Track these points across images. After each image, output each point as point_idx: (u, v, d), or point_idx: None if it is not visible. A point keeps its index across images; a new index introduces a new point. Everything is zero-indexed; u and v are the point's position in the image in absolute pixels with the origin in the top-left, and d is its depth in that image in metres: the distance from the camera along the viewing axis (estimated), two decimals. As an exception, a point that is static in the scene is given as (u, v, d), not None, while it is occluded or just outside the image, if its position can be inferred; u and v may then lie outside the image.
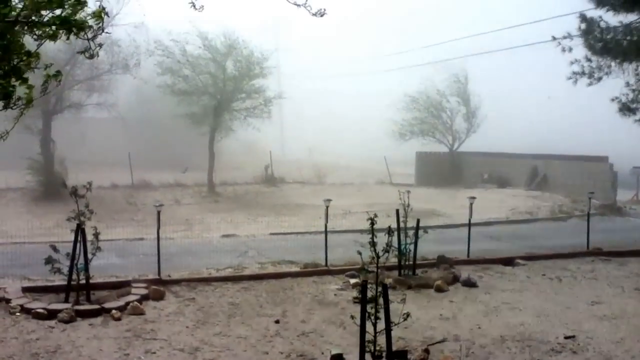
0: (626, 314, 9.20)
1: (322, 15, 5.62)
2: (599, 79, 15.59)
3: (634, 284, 11.11)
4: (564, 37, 15.82)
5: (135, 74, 25.40)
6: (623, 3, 14.21)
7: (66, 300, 9.18)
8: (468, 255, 12.93)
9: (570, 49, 15.78)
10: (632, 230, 17.45)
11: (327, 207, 12.07)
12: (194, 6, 5.47)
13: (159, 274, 10.77)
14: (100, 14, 4.35)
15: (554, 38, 16.05)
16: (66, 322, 8.46)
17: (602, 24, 15.04)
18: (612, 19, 15.03)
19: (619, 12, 14.65)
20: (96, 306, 9.00)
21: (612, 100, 15.83)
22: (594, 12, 15.12)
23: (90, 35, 4.41)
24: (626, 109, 15.57)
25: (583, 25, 15.26)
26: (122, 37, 23.03)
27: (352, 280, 10.81)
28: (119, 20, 22.04)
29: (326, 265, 11.87)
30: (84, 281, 9.27)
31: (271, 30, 58.22)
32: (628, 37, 14.57)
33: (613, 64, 15.32)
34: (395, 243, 8.92)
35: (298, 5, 5.45)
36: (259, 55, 27.12)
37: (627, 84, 15.63)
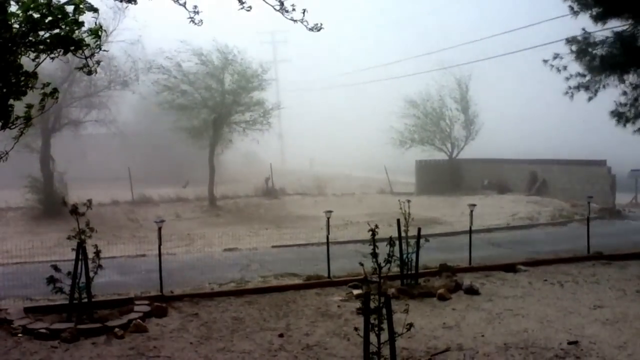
0: (628, 317, 9.20)
1: (318, 30, 5.69)
2: (596, 91, 15.64)
3: (635, 287, 11.10)
4: (554, 58, 15.91)
5: (134, 89, 25.55)
6: (605, 11, 14.23)
7: (68, 320, 9.14)
8: (470, 263, 12.92)
9: (565, 67, 15.85)
10: (631, 233, 17.47)
11: (329, 218, 12.08)
12: (194, 21, 5.54)
13: (161, 290, 10.74)
14: (97, 32, 4.40)
15: (545, 61, 16.19)
16: (69, 341, 8.42)
17: (593, 38, 15.11)
18: (601, 28, 15.08)
19: (604, 20, 14.69)
20: (99, 325, 8.96)
21: (611, 113, 15.88)
22: (581, 20, 15.19)
23: (88, 53, 4.45)
24: (622, 118, 15.61)
25: (574, 47, 15.33)
26: (119, 54, 23.23)
27: (355, 291, 10.81)
28: (115, 36, 22.22)
29: (329, 276, 11.85)
30: (86, 300, 9.25)
31: (270, 43, 58.74)
32: (620, 46, 14.56)
33: (610, 77, 15.34)
34: (397, 253, 8.93)
35: (295, 21, 5.53)
36: (257, 68, 27.23)
37: (624, 93, 15.65)
